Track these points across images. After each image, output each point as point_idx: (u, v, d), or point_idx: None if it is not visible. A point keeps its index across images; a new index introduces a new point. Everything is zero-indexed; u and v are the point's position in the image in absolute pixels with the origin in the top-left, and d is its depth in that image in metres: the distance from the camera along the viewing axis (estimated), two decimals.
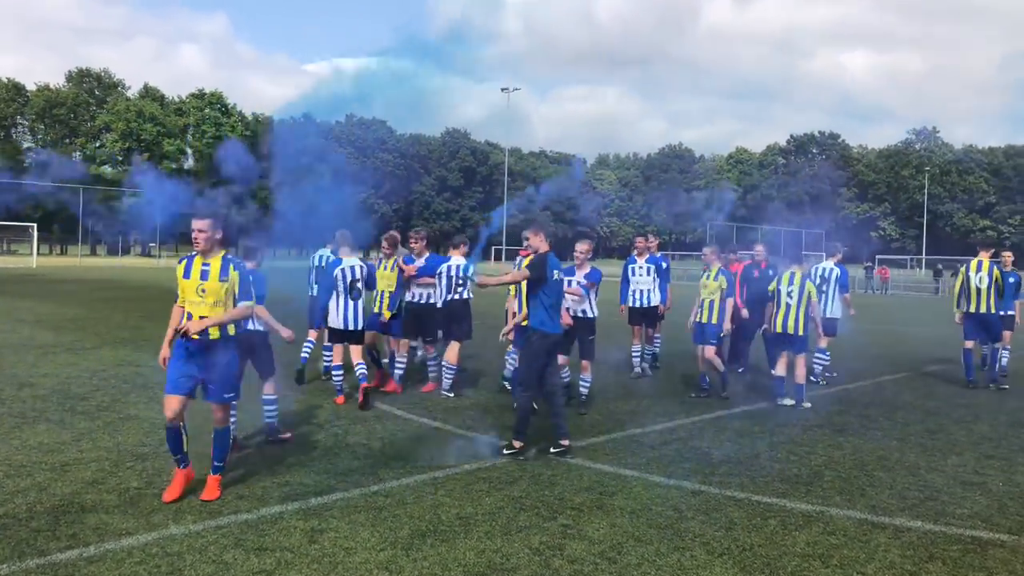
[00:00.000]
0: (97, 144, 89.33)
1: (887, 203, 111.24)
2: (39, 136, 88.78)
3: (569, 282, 8.64)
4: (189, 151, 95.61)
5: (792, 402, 9.23)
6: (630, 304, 11.20)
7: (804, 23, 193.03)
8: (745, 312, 10.93)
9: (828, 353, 11.01)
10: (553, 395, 7.10)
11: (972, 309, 11.04)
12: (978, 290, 10.96)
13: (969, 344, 11.17)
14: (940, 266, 49.87)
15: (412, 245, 9.91)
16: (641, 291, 11.12)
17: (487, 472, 6.34)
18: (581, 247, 8.91)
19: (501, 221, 67.43)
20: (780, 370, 9.41)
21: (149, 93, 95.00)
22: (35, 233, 58.31)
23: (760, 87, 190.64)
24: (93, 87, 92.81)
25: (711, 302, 9.84)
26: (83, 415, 7.97)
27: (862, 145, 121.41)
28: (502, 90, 70.58)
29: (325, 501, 5.52)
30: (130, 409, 8.29)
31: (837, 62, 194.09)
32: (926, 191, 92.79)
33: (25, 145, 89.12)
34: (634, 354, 11.23)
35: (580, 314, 8.84)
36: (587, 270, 8.96)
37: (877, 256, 54.95)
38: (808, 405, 9.20)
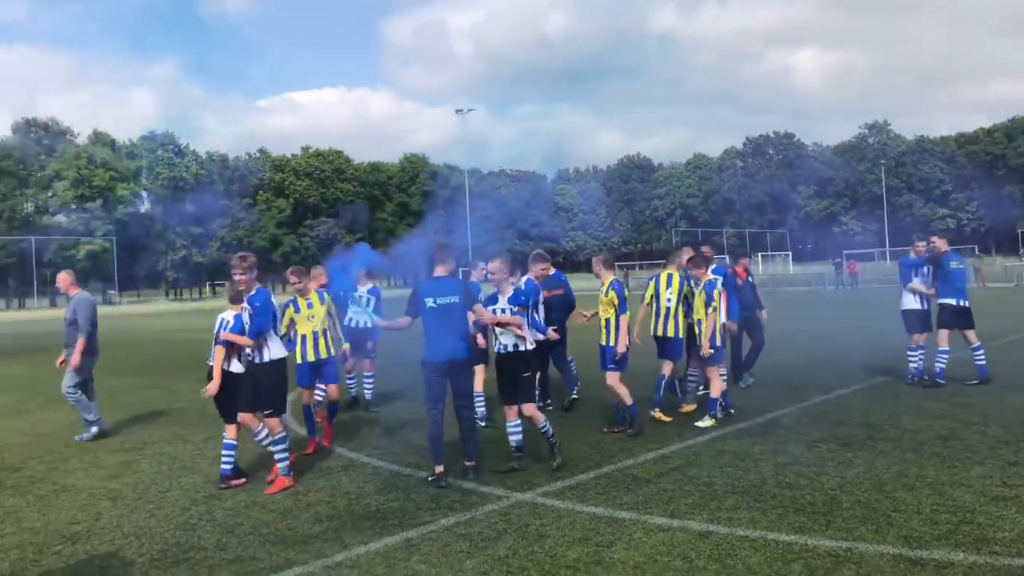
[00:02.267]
0: (49, 194, 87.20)
1: (846, 198, 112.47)
2: None
3: (494, 311, 7.32)
4: (144, 194, 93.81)
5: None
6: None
7: (749, 27, 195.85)
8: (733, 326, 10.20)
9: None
10: (461, 420, 7.02)
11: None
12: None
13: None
14: None
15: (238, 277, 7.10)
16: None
17: (467, 527, 5.61)
18: (491, 266, 7.48)
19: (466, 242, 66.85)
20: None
21: (99, 139, 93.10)
22: None
23: (712, 93, 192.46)
24: (40, 136, 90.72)
25: (606, 321, 8.56)
26: (12, 489, 7.13)
27: (817, 143, 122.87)
28: (457, 111, 70.14)
29: None
30: (67, 479, 7.44)
31: (785, 63, 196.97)
32: (883, 184, 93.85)
33: None
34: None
35: (511, 348, 7.21)
36: (510, 293, 7.42)
37: (844, 252, 55.04)
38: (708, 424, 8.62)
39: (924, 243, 10.92)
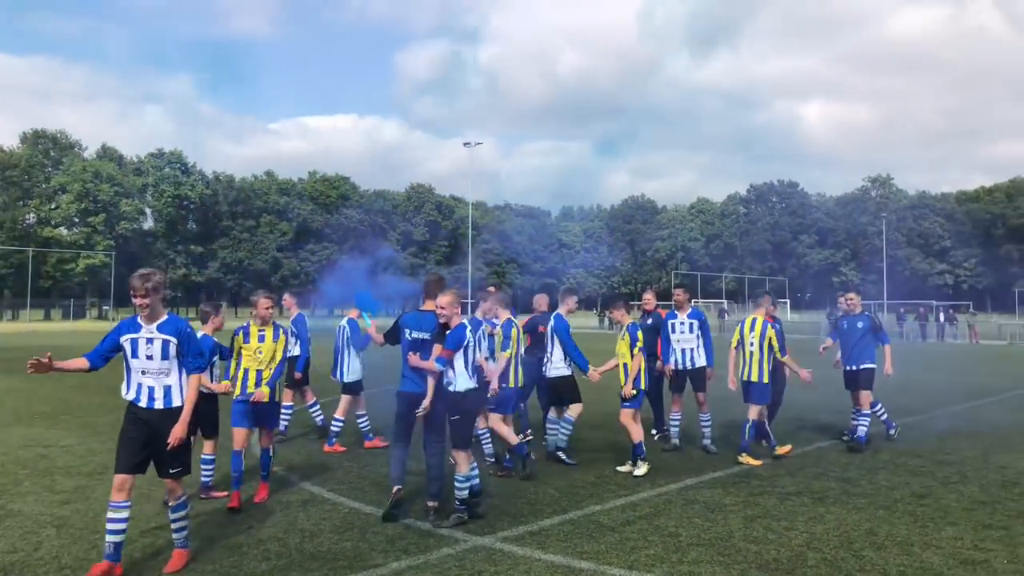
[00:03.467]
0: (52, 206, 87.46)
1: (847, 249, 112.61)
2: None
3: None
4: (148, 211, 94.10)
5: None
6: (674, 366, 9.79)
7: (760, 76, 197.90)
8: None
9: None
10: (427, 456, 6.85)
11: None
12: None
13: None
14: (921, 309, 49.90)
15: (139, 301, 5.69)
16: (683, 350, 9.76)
17: (418, 572, 5.41)
18: (440, 300, 6.80)
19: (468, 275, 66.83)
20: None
21: (107, 153, 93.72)
22: None
23: (719, 139, 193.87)
24: (48, 148, 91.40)
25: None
26: None
27: (820, 193, 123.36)
28: (464, 144, 70.49)
29: None
30: (16, 503, 7.21)
31: (794, 113, 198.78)
32: (884, 236, 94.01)
33: None
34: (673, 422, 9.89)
35: (446, 386, 6.74)
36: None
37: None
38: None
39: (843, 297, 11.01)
